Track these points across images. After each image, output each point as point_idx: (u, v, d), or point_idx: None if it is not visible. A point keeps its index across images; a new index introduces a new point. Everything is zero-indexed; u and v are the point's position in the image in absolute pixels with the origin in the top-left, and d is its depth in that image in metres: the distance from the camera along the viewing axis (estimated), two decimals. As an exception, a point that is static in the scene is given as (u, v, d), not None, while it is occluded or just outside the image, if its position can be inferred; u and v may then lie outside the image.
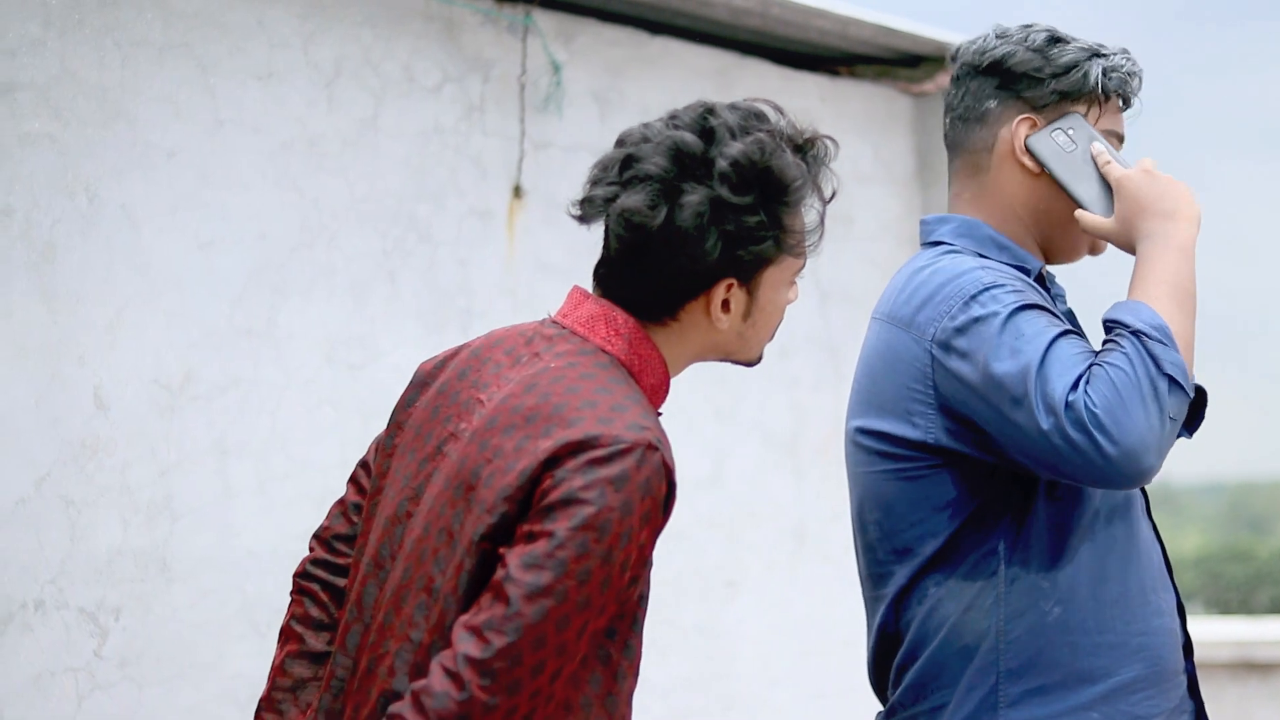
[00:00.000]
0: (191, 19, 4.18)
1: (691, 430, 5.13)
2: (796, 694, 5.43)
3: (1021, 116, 2.61)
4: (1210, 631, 7.02)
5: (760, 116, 2.24)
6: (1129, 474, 2.33)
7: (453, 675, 2.04)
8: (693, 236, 2.18)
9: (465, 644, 2.05)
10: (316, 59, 4.42)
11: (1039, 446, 2.36)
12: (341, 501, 2.45)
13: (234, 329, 4.22)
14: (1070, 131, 2.60)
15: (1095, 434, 2.32)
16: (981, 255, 2.58)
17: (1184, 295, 2.46)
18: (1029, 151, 2.60)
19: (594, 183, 2.25)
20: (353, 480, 2.45)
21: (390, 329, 4.53)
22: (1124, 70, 2.64)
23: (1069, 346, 2.39)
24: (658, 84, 5.16)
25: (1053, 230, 2.65)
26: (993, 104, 2.63)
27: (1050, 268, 2.70)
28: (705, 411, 5.18)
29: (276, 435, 4.29)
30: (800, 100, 5.35)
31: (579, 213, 2.26)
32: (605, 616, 2.10)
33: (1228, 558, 28.27)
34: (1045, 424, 2.34)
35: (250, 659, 4.19)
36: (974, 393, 2.43)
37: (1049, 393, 2.34)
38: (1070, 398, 2.33)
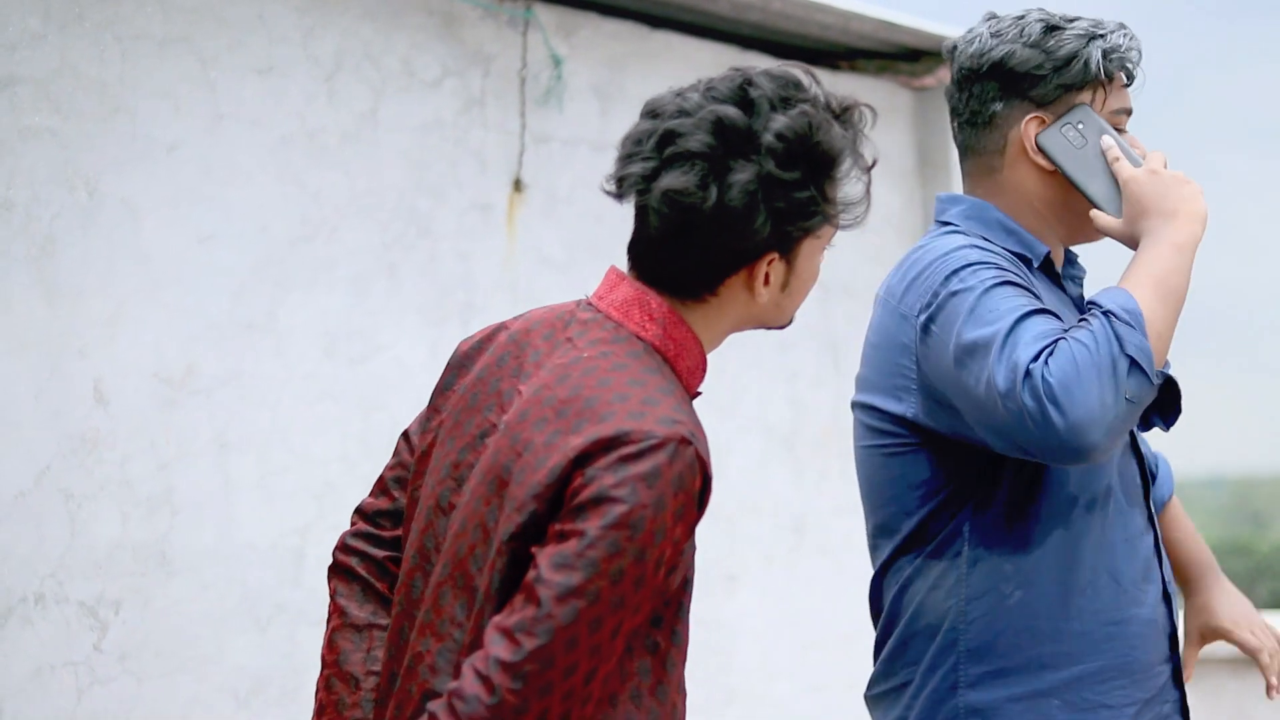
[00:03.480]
0: (191, 13, 4.18)
1: (692, 424, 5.13)
2: (797, 687, 5.43)
3: (1029, 116, 2.60)
4: (1210, 626, 6.99)
5: (798, 85, 2.18)
6: (1074, 447, 2.32)
7: (484, 678, 2.01)
8: (742, 215, 2.12)
9: (496, 646, 2.02)
10: (316, 53, 4.42)
11: (995, 412, 2.36)
12: (381, 478, 2.40)
13: (234, 323, 4.22)
14: (1080, 126, 2.60)
15: (1046, 404, 2.31)
16: (985, 238, 2.59)
17: (1167, 290, 2.45)
18: (1040, 150, 2.61)
19: (628, 158, 2.17)
20: (395, 453, 2.40)
21: (390, 323, 4.53)
22: (1123, 48, 2.62)
23: (1040, 322, 2.39)
24: (659, 78, 5.15)
25: (1072, 220, 2.66)
26: (998, 106, 2.62)
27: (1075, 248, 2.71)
28: (704, 405, 5.15)
29: (277, 429, 4.29)
30: (801, 94, 5.35)
31: (616, 190, 2.19)
32: (641, 614, 2.07)
33: (1228, 552, 28.23)
34: (1003, 387, 2.34)
35: (250, 652, 4.20)
36: (945, 363, 2.44)
37: (1012, 359, 2.34)
38: (1031, 366, 2.33)
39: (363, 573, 2.34)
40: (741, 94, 2.16)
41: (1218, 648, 2.86)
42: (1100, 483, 2.53)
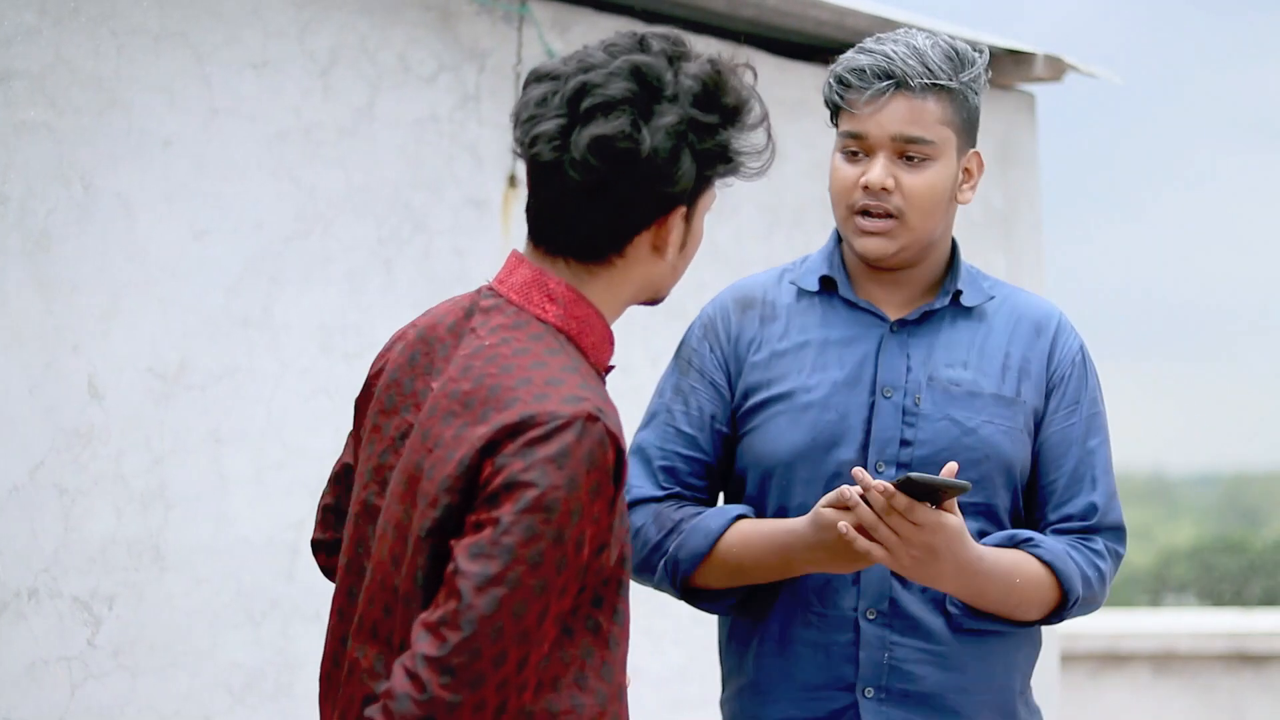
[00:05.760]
0: (187, 7, 4.18)
1: (686, 420, 5.14)
2: (790, 684, 5.43)
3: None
4: (1204, 623, 7.02)
5: (685, 42, 2.21)
6: None
7: (413, 676, 1.99)
8: (669, 159, 2.11)
9: (422, 643, 2.00)
10: (312, 48, 4.41)
11: None
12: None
13: (229, 318, 4.22)
14: None
15: None
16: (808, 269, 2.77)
17: None
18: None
19: (533, 119, 2.14)
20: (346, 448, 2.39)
21: (386, 318, 4.53)
22: (833, 76, 2.68)
23: (654, 437, 2.77)
24: (654, 74, 5.15)
25: None
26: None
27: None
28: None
29: (272, 424, 4.29)
30: (796, 90, 5.36)
31: (533, 150, 2.14)
32: (568, 596, 2.05)
33: (1221, 549, 28.28)
34: None
35: (244, 648, 4.20)
36: None
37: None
38: None
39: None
40: (645, 45, 2.18)
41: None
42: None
